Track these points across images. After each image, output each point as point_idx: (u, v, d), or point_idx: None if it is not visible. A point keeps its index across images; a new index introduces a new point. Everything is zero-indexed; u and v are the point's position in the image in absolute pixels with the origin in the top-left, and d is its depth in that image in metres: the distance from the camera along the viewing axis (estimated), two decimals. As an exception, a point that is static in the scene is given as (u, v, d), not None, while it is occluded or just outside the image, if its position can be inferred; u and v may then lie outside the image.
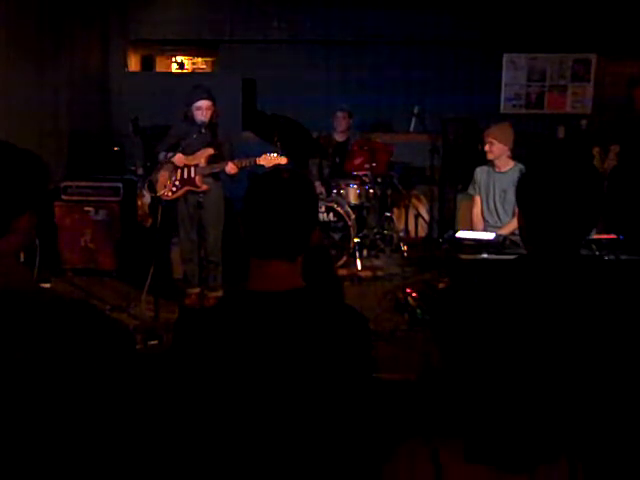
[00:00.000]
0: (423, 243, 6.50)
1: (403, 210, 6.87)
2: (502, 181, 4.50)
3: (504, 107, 7.46)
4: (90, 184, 5.57)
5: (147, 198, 5.65)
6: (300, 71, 7.39)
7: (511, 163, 4.51)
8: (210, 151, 4.54)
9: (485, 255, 3.95)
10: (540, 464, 1.47)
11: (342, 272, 5.38)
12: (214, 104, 4.51)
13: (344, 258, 5.59)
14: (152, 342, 3.66)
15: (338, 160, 6.30)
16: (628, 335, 1.52)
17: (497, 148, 4.48)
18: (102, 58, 7.10)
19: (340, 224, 5.66)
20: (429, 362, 1.42)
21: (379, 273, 5.52)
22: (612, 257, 3.71)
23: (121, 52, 7.49)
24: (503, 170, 4.52)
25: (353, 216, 5.78)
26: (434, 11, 7.18)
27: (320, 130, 6.53)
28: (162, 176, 4.60)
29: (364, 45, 7.50)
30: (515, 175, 2.89)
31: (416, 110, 6.59)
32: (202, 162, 4.54)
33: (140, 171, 5.91)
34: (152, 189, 4.61)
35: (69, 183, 5.54)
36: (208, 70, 8.36)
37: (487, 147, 4.51)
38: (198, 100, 4.44)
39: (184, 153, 4.53)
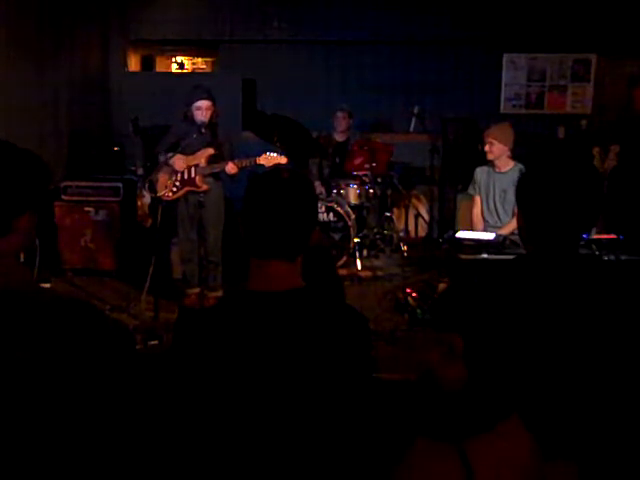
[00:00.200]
0: (423, 243, 6.51)
1: (403, 210, 6.87)
2: (502, 181, 4.50)
3: (504, 107, 7.46)
4: (90, 184, 5.57)
5: (147, 198, 5.65)
6: (300, 71, 7.39)
7: (511, 163, 4.51)
8: (210, 151, 4.55)
9: (485, 255, 3.96)
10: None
11: (342, 272, 5.38)
12: (214, 104, 4.51)
13: (344, 258, 5.59)
14: (152, 342, 3.66)
15: (338, 160, 6.30)
16: (628, 335, 1.52)
17: (497, 148, 4.48)
18: (102, 58, 7.11)
19: (340, 224, 5.66)
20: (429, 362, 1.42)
21: (379, 273, 5.52)
22: (612, 257, 3.71)
23: (121, 52, 7.49)
24: (503, 170, 4.52)
25: (353, 216, 5.78)
26: (434, 11, 7.17)
27: (320, 130, 6.53)
28: (162, 176, 4.60)
29: (364, 45, 7.50)
30: (515, 175, 2.90)
31: (416, 110, 6.60)
32: (202, 162, 4.54)
33: (140, 171, 5.91)
34: (152, 189, 4.61)
35: (69, 183, 5.54)
36: (208, 70, 8.37)
37: (487, 147, 4.51)
38: (198, 100, 4.45)
39: (184, 153, 4.53)
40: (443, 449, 1.27)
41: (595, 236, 3.94)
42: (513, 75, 7.43)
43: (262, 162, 4.38)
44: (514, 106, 7.46)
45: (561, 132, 7.32)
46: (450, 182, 6.80)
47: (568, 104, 7.42)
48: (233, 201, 5.19)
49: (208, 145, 4.53)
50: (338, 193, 5.94)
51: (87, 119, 6.53)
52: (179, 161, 4.52)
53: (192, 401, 1.45)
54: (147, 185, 4.67)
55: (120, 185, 5.55)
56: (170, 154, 4.51)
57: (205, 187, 4.51)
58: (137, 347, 3.49)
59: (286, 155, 4.45)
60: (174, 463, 1.47)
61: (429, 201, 7.04)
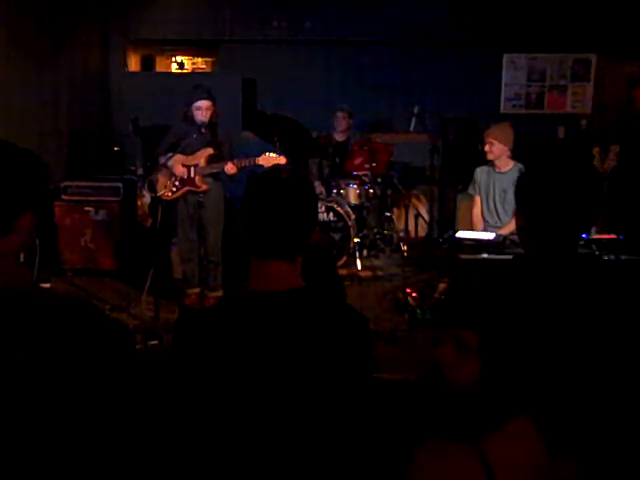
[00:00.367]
0: (423, 243, 6.51)
1: (403, 210, 6.87)
2: (502, 181, 4.50)
3: (504, 107, 7.46)
4: (90, 184, 5.57)
5: (147, 198, 5.65)
6: (300, 71, 7.38)
7: (511, 163, 4.51)
8: (210, 151, 4.55)
9: (485, 255, 3.96)
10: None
11: (342, 272, 5.38)
12: (214, 104, 4.51)
13: (344, 258, 5.59)
14: (152, 342, 3.66)
15: (338, 160, 6.30)
16: (628, 335, 1.52)
17: (497, 148, 4.49)
18: (102, 58, 7.11)
19: (340, 224, 5.66)
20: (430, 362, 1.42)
21: (379, 273, 5.52)
22: (612, 257, 3.71)
23: (121, 52, 7.49)
24: (503, 170, 4.52)
25: (353, 216, 5.78)
26: (434, 11, 7.18)
27: (320, 130, 6.53)
28: (162, 176, 4.60)
29: (364, 45, 7.50)
30: (515, 175, 2.90)
31: (416, 110, 6.59)
32: (202, 162, 4.55)
33: (140, 171, 5.91)
34: (152, 189, 4.61)
35: (69, 183, 5.54)
36: (208, 70, 8.36)
37: (487, 147, 4.51)
38: (198, 100, 4.45)
39: (184, 153, 4.53)
40: (459, 449, 1.26)
41: (595, 236, 3.94)
42: (513, 75, 7.43)
43: (262, 162, 4.38)
44: (514, 106, 7.46)
45: (561, 132, 7.32)
46: (450, 182, 6.81)
47: (568, 104, 7.42)
48: (233, 201, 5.19)
49: (208, 145, 4.53)
50: (338, 193, 5.94)
51: (87, 119, 6.53)
52: (178, 166, 4.53)
53: (192, 401, 1.45)
54: (147, 185, 4.67)
55: (120, 185, 5.55)
56: (170, 154, 4.51)
57: (204, 187, 4.51)
58: (137, 347, 3.49)
59: (286, 155, 4.45)
60: (174, 463, 1.47)
61: (429, 201, 7.04)
